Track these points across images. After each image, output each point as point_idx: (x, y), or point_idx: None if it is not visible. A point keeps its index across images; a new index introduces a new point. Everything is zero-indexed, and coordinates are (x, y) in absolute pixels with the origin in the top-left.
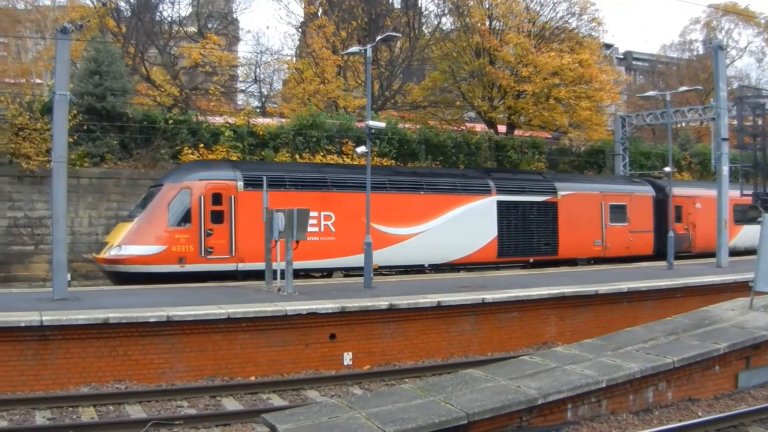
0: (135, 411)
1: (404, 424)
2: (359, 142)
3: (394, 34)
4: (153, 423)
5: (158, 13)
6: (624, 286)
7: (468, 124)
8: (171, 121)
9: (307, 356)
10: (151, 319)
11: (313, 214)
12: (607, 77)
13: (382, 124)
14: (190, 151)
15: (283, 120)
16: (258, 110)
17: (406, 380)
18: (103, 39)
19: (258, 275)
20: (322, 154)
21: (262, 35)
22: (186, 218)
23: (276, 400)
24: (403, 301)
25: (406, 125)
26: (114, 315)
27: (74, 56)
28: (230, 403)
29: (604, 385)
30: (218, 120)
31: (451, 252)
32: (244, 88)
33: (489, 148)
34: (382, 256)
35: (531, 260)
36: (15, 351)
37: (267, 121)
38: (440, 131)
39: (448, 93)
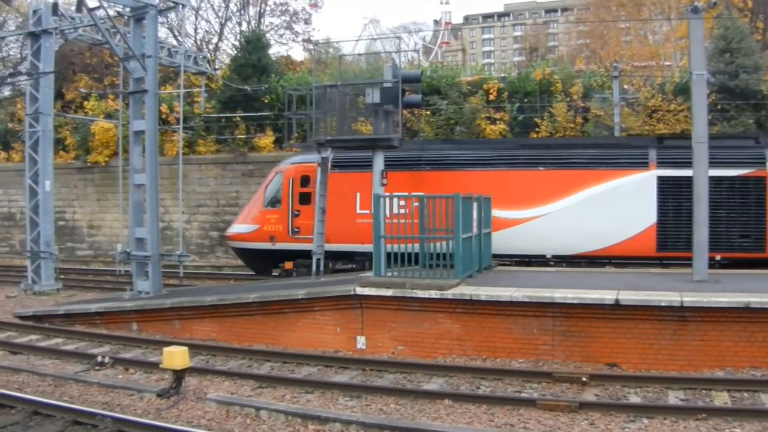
0: None
1: None
2: None
3: None
4: None
5: None
6: None
7: None
8: None
9: None
10: None
11: (402, 195)
12: None
13: None
14: None
15: None
16: None
17: None
18: (730, 15)
19: (344, 256)
20: None
21: None
22: (277, 200)
23: None
24: None
25: None
26: (756, 300)
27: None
28: None
29: None
30: None
31: (585, 241)
32: None
33: None
34: None
35: (717, 257)
36: (653, 330)
37: None
38: None
39: None
